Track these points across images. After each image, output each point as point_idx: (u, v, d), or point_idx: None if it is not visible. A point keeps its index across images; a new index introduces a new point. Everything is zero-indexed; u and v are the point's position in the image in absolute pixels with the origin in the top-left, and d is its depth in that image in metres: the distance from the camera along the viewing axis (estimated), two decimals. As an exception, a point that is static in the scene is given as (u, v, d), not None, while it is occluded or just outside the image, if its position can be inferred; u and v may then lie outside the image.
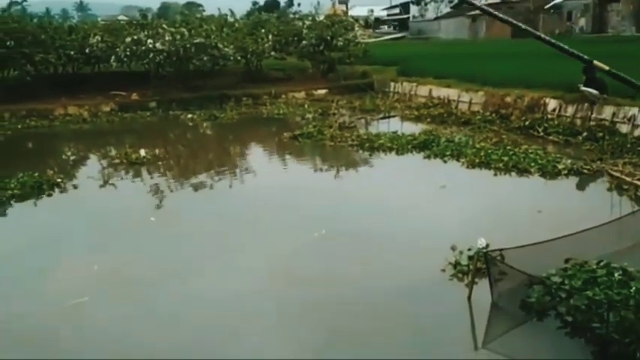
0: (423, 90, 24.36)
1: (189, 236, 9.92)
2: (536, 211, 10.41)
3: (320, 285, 7.93)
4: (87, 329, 7.06)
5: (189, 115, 22.80)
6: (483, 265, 7.36)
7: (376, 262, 8.67)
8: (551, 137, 16.51)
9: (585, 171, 12.99)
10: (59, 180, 13.43)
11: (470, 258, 8.08)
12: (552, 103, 18.13)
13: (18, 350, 6.64)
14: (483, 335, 6.94)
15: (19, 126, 21.23)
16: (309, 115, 22.48)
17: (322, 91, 27.88)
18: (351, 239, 9.51)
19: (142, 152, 15.78)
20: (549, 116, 17.84)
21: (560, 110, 17.78)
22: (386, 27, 72.39)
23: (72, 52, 25.51)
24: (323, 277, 8.18)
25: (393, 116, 21.67)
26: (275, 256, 8.90)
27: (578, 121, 16.98)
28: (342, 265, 8.58)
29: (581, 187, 12.50)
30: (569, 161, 13.52)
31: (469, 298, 7.35)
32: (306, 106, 24.57)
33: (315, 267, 8.55)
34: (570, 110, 17.46)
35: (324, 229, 9.94)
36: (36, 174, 13.46)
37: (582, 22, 53.32)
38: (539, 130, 17.18)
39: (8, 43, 23.16)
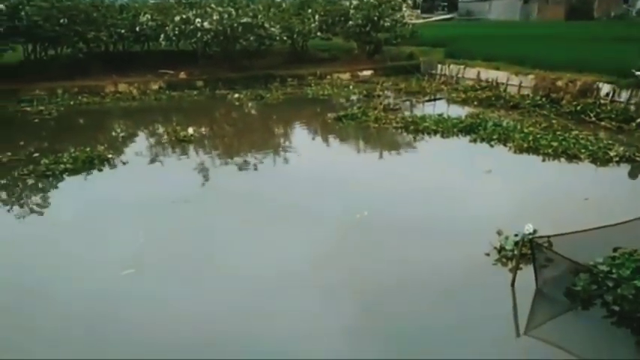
0: (471, 72, 23.92)
1: (230, 216, 10.10)
2: (584, 199, 10.19)
3: (361, 267, 7.99)
4: (135, 298, 7.31)
5: (236, 95, 22.99)
6: (528, 251, 7.28)
7: (418, 245, 8.67)
8: (603, 123, 16.05)
9: (638, 158, 12.61)
10: (110, 155, 13.83)
11: (515, 243, 7.99)
12: (605, 88, 17.58)
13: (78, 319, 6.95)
14: (526, 322, 6.89)
15: (72, 102, 21.83)
16: (354, 97, 22.39)
17: (367, 73, 27.65)
18: (393, 222, 9.51)
19: (190, 130, 16.04)
20: (602, 101, 17.33)
21: (613, 95, 17.23)
22: (437, 11, 71.13)
23: (122, 31, 25.99)
24: (364, 259, 8.23)
25: (439, 99, 21.38)
26: (315, 238, 8.98)
27: (632, 107, 16.44)
28: (383, 247, 8.60)
29: (633, 174, 12.16)
30: (621, 148, 13.14)
31: (512, 283, 7.29)
32: (351, 87, 24.47)
33: (356, 249, 8.59)
34: (624, 96, 16.90)
35: (367, 211, 9.97)
36: (87, 149, 13.87)
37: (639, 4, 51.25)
38: (591, 115, 16.72)
39: (62, 20, 23.73)
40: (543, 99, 18.94)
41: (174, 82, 24.88)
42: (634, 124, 15.44)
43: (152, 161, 14.11)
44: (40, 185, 12.09)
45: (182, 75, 25.63)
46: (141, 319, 6.93)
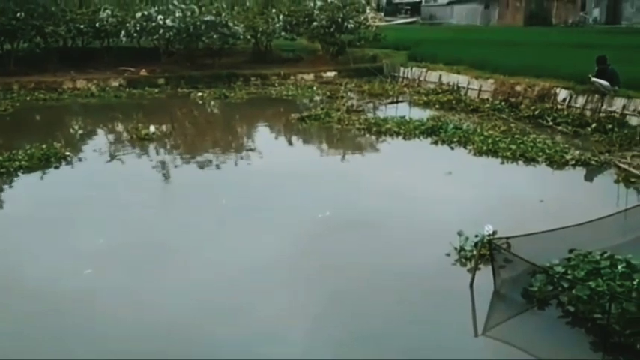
0: (433, 76, 24.20)
1: (191, 214, 9.97)
2: (539, 201, 10.42)
3: (320, 267, 7.97)
4: (94, 302, 7.13)
5: (199, 94, 22.75)
6: (488, 251, 7.38)
7: (379, 244, 8.69)
8: (560, 127, 16.42)
9: (593, 162, 12.94)
10: (67, 153, 13.50)
11: (475, 244, 8.10)
12: (562, 93, 18.00)
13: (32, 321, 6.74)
14: (484, 322, 6.98)
15: (28, 98, 21.25)
16: (317, 97, 22.41)
17: (331, 74, 27.73)
18: (354, 222, 9.52)
19: (152, 128, 15.80)
20: (559, 106, 17.73)
21: (570, 101, 17.65)
22: (400, 15, 71.70)
23: (82, 26, 25.42)
24: (323, 259, 8.20)
25: (402, 101, 21.55)
26: (276, 238, 8.93)
27: (588, 112, 16.86)
28: (343, 246, 8.60)
29: (588, 178, 12.46)
30: (577, 152, 13.46)
31: (471, 284, 7.37)
32: (314, 88, 24.48)
33: (316, 250, 8.57)
34: (580, 101, 17.33)
35: (329, 211, 9.97)
36: (44, 146, 13.52)
37: (596, 12, 52.73)
38: (549, 119, 17.09)
39: (19, 14, 23.09)
40: (502, 103, 19.26)
41: (135, 80, 24.48)
42: (589, 129, 15.83)
43: (111, 159, 13.85)
44: (-7, 183, 11.71)
45: (143, 72, 25.22)
46: (102, 320, 6.75)
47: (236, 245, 8.69)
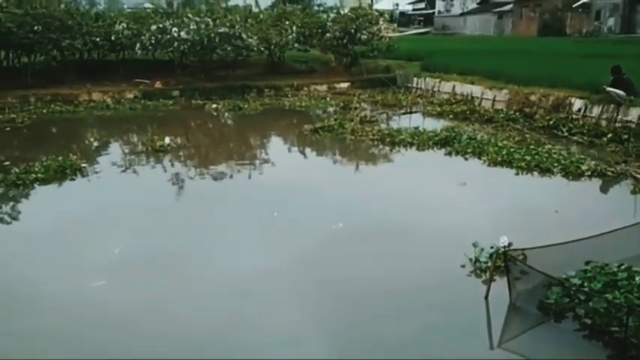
0: (447, 86, 24.18)
1: (205, 227, 9.99)
2: (555, 212, 10.35)
3: (333, 278, 7.96)
4: (107, 311, 7.17)
5: (214, 105, 22.88)
6: (502, 263, 7.34)
7: (393, 256, 8.68)
8: (575, 138, 16.31)
9: (609, 173, 12.82)
10: (83, 165, 13.63)
11: (490, 256, 8.05)
12: (578, 103, 17.90)
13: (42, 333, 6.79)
14: (500, 334, 6.93)
15: (44, 110, 21.49)
16: (331, 109, 22.48)
17: (344, 85, 27.82)
18: (368, 233, 9.53)
19: (167, 140, 15.90)
20: (574, 116, 17.63)
21: (585, 111, 17.55)
22: (413, 25, 71.84)
23: (98, 39, 25.72)
24: (338, 270, 8.20)
25: (415, 112, 21.55)
26: (289, 250, 8.94)
27: (604, 122, 16.76)
28: (357, 258, 8.59)
29: (604, 189, 12.36)
30: (592, 162, 13.36)
31: (487, 296, 7.33)
32: (327, 99, 24.56)
33: (329, 261, 8.57)
34: (596, 111, 17.22)
35: (342, 222, 9.98)
36: (60, 158, 13.66)
37: (611, 22, 52.43)
38: (564, 130, 16.99)
39: (36, 27, 23.42)
40: (517, 113, 19.20)
41: (150, 92, 24.70)
42: (605, 139, 15.71)
43: (126, 171, 13.97)
44: (9, 194, 11.85)
45: (158, 84, 25.45)
46: (116, 329, 6.80)
47: (249, 256, 8.71)
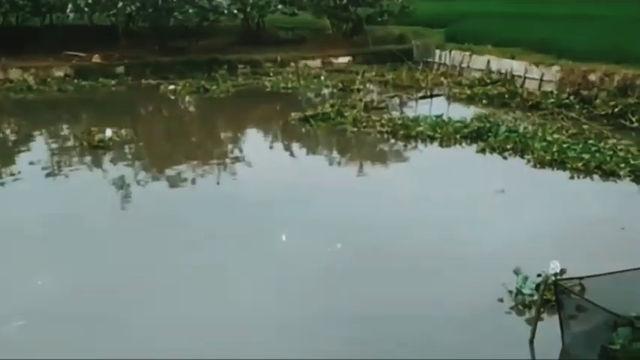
0: (479, 62, 24.18)
1: (159, 249, 9.89)
2: (621, 228, 10.36)
3: (331, 321, 7.90)
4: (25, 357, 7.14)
5: (171, 87, 22.81)
6: (553, 296, 7.33)
7: (410, 288, 8.64)
8: (648, 130, 16.41)
9: (693, 176, 12.88)
10: (-5, 166, 13.60)
11: (536, 287, 8.04)
12: (652, 85, 17.98)
13: None
14: (549, 391, 6.92)
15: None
16: (326, 91, 22.48)
17: (344, 59, 27.76)
18: (377, 257, 9.47)
19: (108, 133, 15.85)
20: (647, 102, 17.71)
21: (662, 95, 17.63)
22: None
23: (16, -2, 25.58)
24: (335, 310, 8.13)
25: (438, 95, 21.52)
26: (272, 282, 8.87)
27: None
28: (362, 294, 8.53)
29: (686, 198, 12.41)
30: (671, 163, 13.42)
31: (531, 340, 7.31)
32: (322, 78, 24.51)
33: (324, 297, 8.50)
34: (676, 95, 17.31)
35: (340, 242, 9.95)
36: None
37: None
38: (633, 119, 17.03)
39: None
40: (571, 97, 19.25)
41: (86, 68, 24.57)
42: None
43: (53, 174, 13.90)
44: None
45: (96, 59, 25.34)
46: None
47: (213, 297, 8.50)
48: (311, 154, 16.01)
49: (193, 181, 13.45)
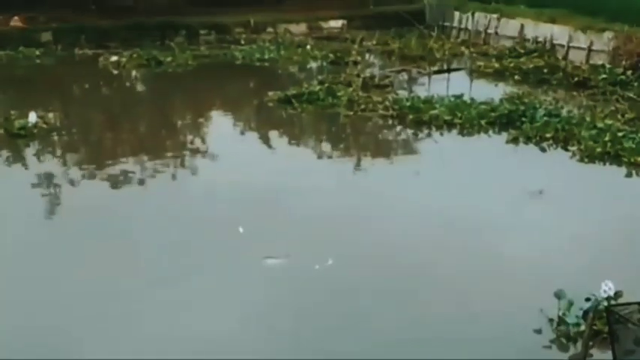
0: (510, 27, 24.22)
1: (95, 273, 9.77)
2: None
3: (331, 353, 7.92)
4: None
5: (114, 58, 22.71)
6: (605, 326, 7.34)
7: (423, 316, 8.63)
8: None
9: None
10: None
11: (584, 314, 8.05)
12: None
13: None
14: None
15: None
16: (314, 64, 22.46)
17: (336, 23, 27.78)
18: (378, 279, 9.46)
19: (32, 117, 15.80)
20: None
21: None
22: None
23: None
24: (327, 346, 8.14)
25: (457, 70, 21.55)
26: (243, 309, 8.82)
27: None
28: (361, 325, 8.52)
29: None
30: None
31: (579, 383, 7.34)
32: (308, 47, 24.52)
33: (314, 329, 8.48)
34: None
35: (331, 258, 9.94)
36: None
37: None
38: None
39: None
40: (628, 73, 19.30)
41: (2, 35, 24.47)
42: None
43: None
44: None
45: (15, 22, 25.27)
46: None
47: (163, 335, 8.49)
48: (294, 145, 16.03)
49: (141, 182, 13.43)
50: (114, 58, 22.77)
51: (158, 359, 7.74)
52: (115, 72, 21.91)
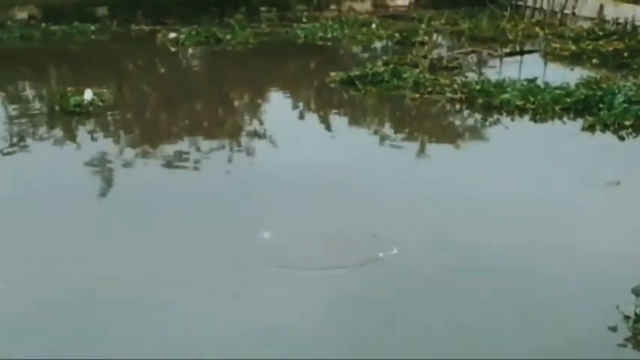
0: (588, 6, 23.94)
1: (151, 254, 9.80)
2: None
3: (387, 352, 7.88)
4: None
5: (172, 35, 22.88)
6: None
7: (491, 311, 8.56)
8: None
9: None
10: None
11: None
12: None
13: None
14: None
15: None
16: (378, 44, 22.42)
17: (403, 1, 27.71)
18: (444, 269, 9.41)
19: (88, 94, 15.94)
20: None
21: None
22: None
23: None
24: (392, 337, 8.10)
25: (530, 52, 21.36)
26: (303, 297, 8.82)
27: None
28: (428, 316, 8.47)
29: None
30: None
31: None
32: (373, 26, 24.49)
33: (379, 318, 8.45)
34: None
35: (396, 247, 9.90)
36: None
37: None
38: None
39: None
40: None
41: (57, 9, 24.69)
42: None
43: (10, 150, 14.06)
44: None
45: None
46: None
47: (220, 325, 8.48)
48: (355, 129, 15.96)
49: (196, 164, 13.47)
50: (172, 35, 22.93)
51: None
52: (173, 49, 22.07)
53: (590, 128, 14.78)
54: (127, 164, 13.41)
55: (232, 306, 8.65)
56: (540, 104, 15.77)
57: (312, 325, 8.20)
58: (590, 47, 20.81)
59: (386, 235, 10.28)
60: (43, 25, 23.93)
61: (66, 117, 15.30)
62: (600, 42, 21.24)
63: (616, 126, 14.62)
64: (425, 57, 19.33)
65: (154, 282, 9.16)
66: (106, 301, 8.68)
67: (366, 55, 21.22)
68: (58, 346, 7.73)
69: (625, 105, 15.33)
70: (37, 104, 16.43)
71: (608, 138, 14.36)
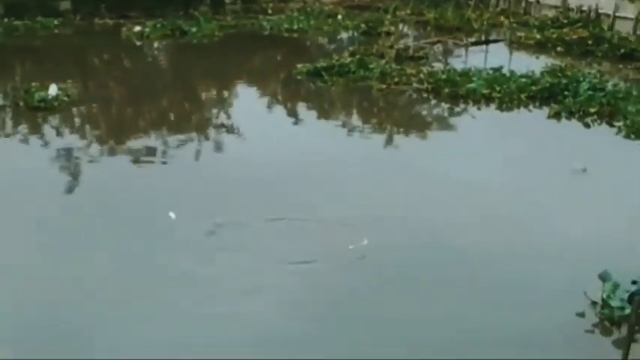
0: (552, -5, 24.09)
1: (113, 247, 9.81)
2: None
3: (359, 348, 7.93)
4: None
5: (136, 28, 22.79)
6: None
7: (462, 297, 8.62)
8: None
9: None
10: None
11: (630, 297, 8.02)
12: None
13: None
14: None
15: None
16: (345, 34, 22.42)
17: (369, -8, 27.72)
18: (415, 259, 9.47)
19: (53, 89, 15.86)
20: None
21: None
22: None
23: None
24: (364, 332, 8.14)
25: (496, 41, 21.44)
26: (272, 292, 8.80)
27: None
28: (398, 307, 8.52)
29: None
30: None
31: (622, 368, 7.32)
32: (339, 17, 24.50)
33: (350, 311, 8.51)
34: None
35: (366, 238, 9.96)
36: None
37: None
38: None
39: None
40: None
41: (20, 3, 24.44)
42: None
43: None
44: None
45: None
46: None
47: (190, 326, 8.45)
48: (323, 120, 15.99)
49: (164, 157, 13.48)
50: (137, 29, 22.82)
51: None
52: (138, 43, 21.96)
53: (556, 116, 14.93)
54: (93, 160, 13.34)
55: (197, 296, 8.68)
56: (506, 93, 15.89)
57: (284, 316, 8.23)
58: (554, 35, 21.00)
59: (357, 222, 10.32)
60: (6, 20, 23.70)
61: (31, 112, 15.20)
62: (565, 30, 21.43)
63: (581, 113, 14.77)
64: (391, 47, 19.40)
65: (117, 276, 9.19)
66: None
67: (332, 46, 21.24)
68: None
69: (590, 92, 15.46)
70: (0, 100, 16.29)
71: (574, 125, 14.51)
